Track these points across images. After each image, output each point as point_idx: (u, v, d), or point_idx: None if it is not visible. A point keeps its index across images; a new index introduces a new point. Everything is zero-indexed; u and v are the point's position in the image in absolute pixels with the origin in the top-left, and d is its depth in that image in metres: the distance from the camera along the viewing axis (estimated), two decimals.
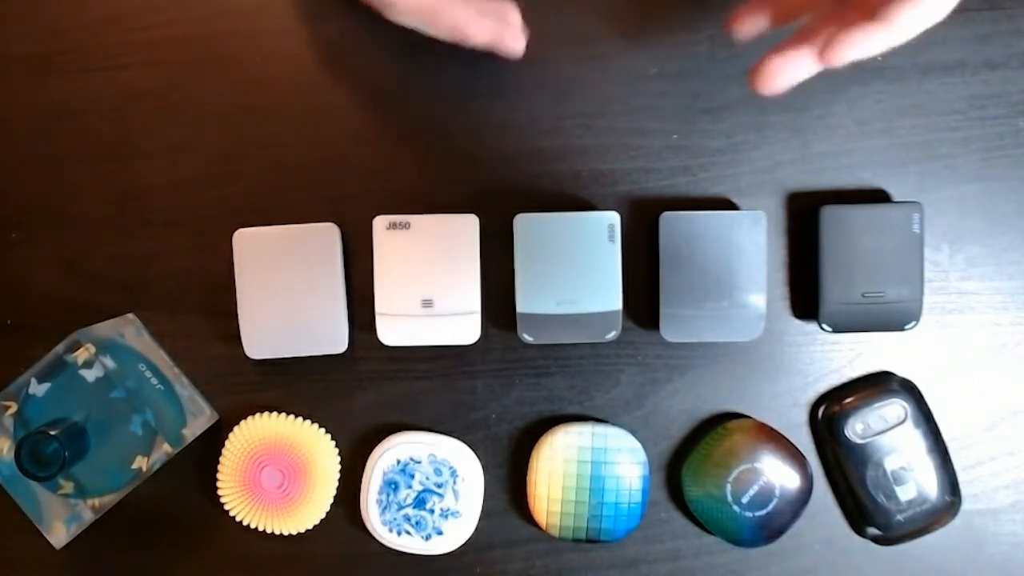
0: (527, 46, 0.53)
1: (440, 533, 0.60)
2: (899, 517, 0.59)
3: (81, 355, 0.53)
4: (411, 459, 0.60)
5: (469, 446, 0.61)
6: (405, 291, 0.58)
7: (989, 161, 0.60)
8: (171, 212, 0.61)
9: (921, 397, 0.60)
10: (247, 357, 0.60)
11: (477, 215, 0.59)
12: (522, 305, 0.58)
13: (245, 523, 0.60)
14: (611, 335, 0.58)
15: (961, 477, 0.60)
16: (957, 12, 0.60)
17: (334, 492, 0.61)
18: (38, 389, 0.53)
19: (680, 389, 0.61)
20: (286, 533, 0.60)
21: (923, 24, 0.44)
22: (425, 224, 0.58)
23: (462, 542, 0.61)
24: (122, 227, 0.61)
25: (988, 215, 0.60)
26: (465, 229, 0.58)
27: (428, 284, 0.58)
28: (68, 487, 0.54)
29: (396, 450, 0.60)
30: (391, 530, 0.60)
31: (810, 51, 0.48)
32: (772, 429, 0.60)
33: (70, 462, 0.51)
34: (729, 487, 0.58)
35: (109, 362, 0.54)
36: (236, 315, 0.59)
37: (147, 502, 0.61)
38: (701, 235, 0.57)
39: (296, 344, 0.60)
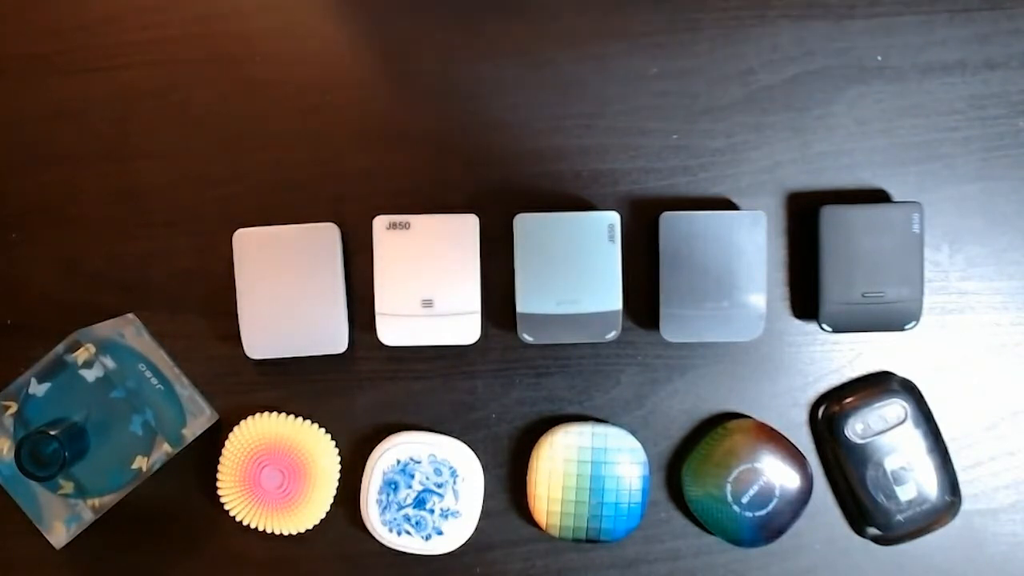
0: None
1: (440, 533, 0.60)
2: (899, 517, 0.59)
3: (81, 355, 0.53)
4: (411, 459, 0.60)
5: (469, 446, 0.61)
6: (405, 291, 0.58)
7: (989, 161, 0.60)
8: (171, 212, 0.61)
9: (921, 397, 0.60)
10: (247, 357, 0.60)
11: (477, 215, 0.59)
12: (522, 305, 0.58)
13: (245, 523, 0.60)
14: (611, 335, 0.58)
15: (961, 477, 0.60)
16: (957, 12, 0.60)
17: (334, 492, 0.61)
18: (38, 389, 0.53)
19: (680, 389, 0.61)
20: (286, 533, 0.60)
21: None
22: (425, 224, 0.58)
23: (462, 542, 0.61)
24: (122, 227, 0.61)
25: (988, 215, 0.60)
26: (465, 229, 0.58)
27: (428, 284, 0.58)
28: (68, 487, 0.54)
29: (396, 450, 0.60)
30: (391, 530, 0.60)
31: None
32: (772, 429, 0.60)
33: (70, 462, 0.51)
34: (729, 487, 0.58)
35: (109, 362, 0.54)
36: (236, 315, 0.59)
37: (147, 502, 0.61)
38: (701, 235, 0.57)
39: (296, 344, 0.60)
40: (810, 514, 0.60)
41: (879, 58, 0.59)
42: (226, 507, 0.60)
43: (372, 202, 0.60)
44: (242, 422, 0.60)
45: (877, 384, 0.60)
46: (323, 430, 0.61)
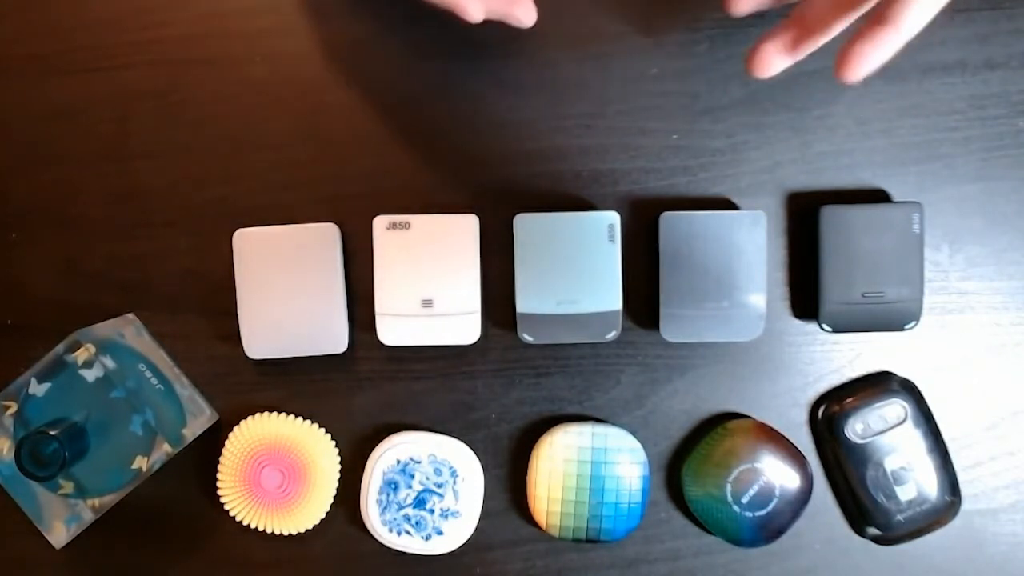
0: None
1: (440, 533, 0.60)
2: (899, 517, 0.59)
3: (81, 355, 0.53)
4: (411, 459, 0.60)
5: (469, 446, 0.61)
6: (405, 291, 0.58)
7: (989, 161, 0.60)
8: (171, 212, 0.61)
9: (921, 397, 0.60)
10: (247, 357, 0.60)
11: (477, 215, 0.59)
12: (522, 305, 0.58)
13: (245, 523, 0.60)
14: (611, 335, 0.58)
15: (961, 477, 0.60)
16: (957, 12, 0.60)
17: (334, 492, 0.61)
18: (38, 389, 0.53)
19: (680, 389, 0.61)
20: (286, 533, 0.60)
21: (925, 20, 0.44)
22: (425, 224, 0.58)
23: (462, 542, 0.61)
24: (122, 227, 0.61)
25: (988, 215, 0.60)
26: (465, 229, 0.59)
27: (428, 284, 0.58)
28: (68, 487, 0.54)
29: (396, 450, 0.60)
30: (391, 530, 0.60)
31: (801, 38, 0.49)
32: (772, 429, 0.60)
33: (70, 462, 0.51)
34: (729, 487, 0.58)
35: (109, 362, 0.54)
36: (236, 315, 0.59)
37: (147, 502, 0.61)
38: (701, 235, 0.57)
39: (296, 344, 0.60)
40: (810, 514, 0.60)
41: None
42: (226, 507, 0.60)
43: (372, 202, 0.60)
44: (242, 422, 0.60)
45: (877, 384, 0.60)
46: (323, 430, 0.61)
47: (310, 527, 0.61)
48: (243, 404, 0.61)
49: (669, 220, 0.57)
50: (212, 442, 0.61)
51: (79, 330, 0.54)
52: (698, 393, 0.61)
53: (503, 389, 0.61)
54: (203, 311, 0.61)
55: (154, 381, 0.57)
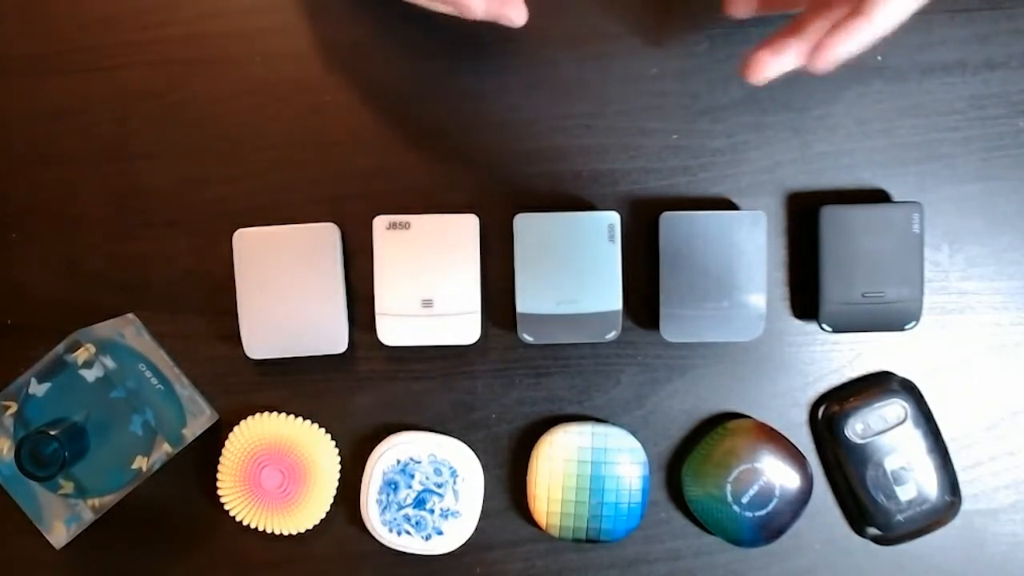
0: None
1: (440, 533, 0.60)
2: (899, 517, 0.59)
3: (81, 355, 0.53)
4: (411, 459, 0.60)
5: (469, 446, 0.61)
6: (405, 291, 0.58)
7: (989, 161, 0.60)
8: (171, 212, 0.61)
9: (921, 397, 0.60)
10: (247, 357, 0.60)
11: (477, 215, 0.59)
12: (522, 305, 0.58)
13: (245, 523, 0.60)
14: (611, 335, 0.58)
15: (961, 477, 0.60)
16: (957, 12, 0.60)
17: (334, 492, 0.61)
18: (38, 389, 0.53)
19: (680, 389, 0.61)
20: (286, 533, 0.60)
21: (899, 15, 0.45)
22: (425, 224, 0.58)
23: (462, 542, 0.61)
24: (122, 227, 0.61)
25: (988, 215, 0.60)
26: (465, 229, 0.59)
27: (428, 284, 0.58)
28: (68, 487, 0.54)
29: (396, 450, 0.60)
30: (391, 530, 0.60)
31: (796, 47, 0.50)
32: (772, 429, 0.60)
33: (70, 462, 0.51)
34: (729, 487, 0.58)
35: (109, 362, 0.54)
36: (236, 315, 0.59)
37: (147, 502, 0.61)
38: (701, 235, 0.57)
39: (296, 344, 0.60)
40: (810, 514, 0.60)
41: (879, 58, 0.59)
42: (226, 507, 0.60)
43: (372, 202, 0.60)
44: (242, 422, 0.60)
45: (877, 384, 0.60)
46: (323, 430, 0.61)
47: (310, 527, 0.61)
48: (243, 404, 0.61)
49: (669, 220, 0.57)
50: (212, 442, 0.61)
51: (79, 330, 0.54)
52: (698, 393, 0.61)
53: (503, 389, 0.61)
54: (203, 311, 0.61)
55: (154, 381, 0.57)
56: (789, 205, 0.60)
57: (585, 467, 0.59)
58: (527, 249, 0.57)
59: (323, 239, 0.59)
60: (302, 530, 0.61)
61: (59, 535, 0.55)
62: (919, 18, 0.60)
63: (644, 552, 0.62)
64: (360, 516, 0.61)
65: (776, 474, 0.59)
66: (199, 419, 0.59)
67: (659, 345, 0.61)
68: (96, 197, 0.61)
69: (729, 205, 0.60)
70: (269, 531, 0.60)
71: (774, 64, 0.50)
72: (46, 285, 0.61)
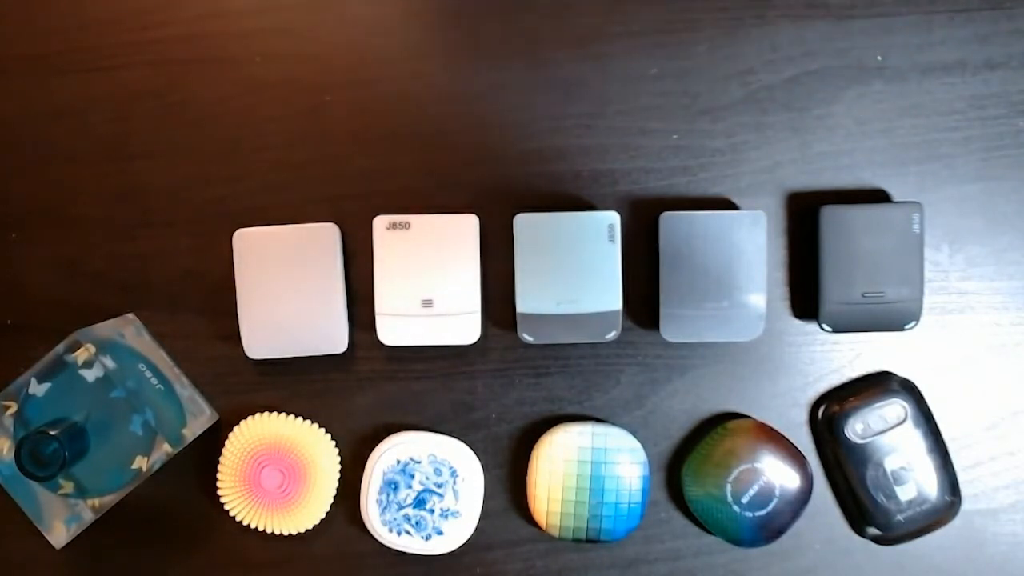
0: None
1: (440, 533, 0.60)
2: (899, 517, 0.59)
3: (81, 355, 0.53)
4: (411, 459, 0.60)
5: (469, 446, 0.61)
6: (405, 291, 0.58)
7: (989, 161, 0.60)
8: (171, 212, 0.61)
9: (921, 397, 0.60)
10: (247, 357, 0.60)
11: (477, 215, 0.59)
12: (522, 305, 0.58)
13: (245, 523, 0.60)
14: (611, 335, 0.58)
15: (961, 477, 0.60)
16: (957, 12, 0.60)
17: (334, 492, 0.61)
18: (38, 389, 0.53)
19: (680, 389, 0.61)
20: (286, 533, 0.60)
21: None
22: (425, 224, 0.58)
23: (462, 542, 0.61)
24: (122, 227, 0.61)
25: (988, 215, 0.60)
26: (465, 229, 0.59)
27: (428, 284, 0.58)
28: (68, 487, 0.54)
29: (396, 450, 0.60)
30: (391, 530, 0.60)
31: None
32: (772, 429, 0.60)
33: (70, 462, 0.51)
34: (729, 487, 0.58)
35: (109, 362, 0.54)
36: (236, 315, 0.59)
37: (147, 502, 0.61)
38: (701, 235, 0.57)
39: (296, 344, 0.60)
40: (810, 514, 0.60)
41: (879, 58, 0.59)
42: (226, 507, 0.60)
43: (372, 202, 0.60)
44: (242, 422, 0.60)
45: (877, 384, 0.60)
46: (323, 430, 0.61)
47: (310, 527, 0.61)
48: (243, 404, 0.61)
49: (669, 220, 0.57)
50: (212, 442, 0.61)
51: (79, 330, 0.54)
52: (698, 393, 0.61)
53: (503, 389, 0.61)
54: (203, 311, 0.61)
55: (154, 381, 0.57)
56: (789, 205, 0.60)
57: (585, 467, 0.59)
58: (527, 249, 0.57)
59: (323, 239, 0.59)
60: (302, 530, 0.61)
61: (59, 535, 0.55)
62: (919, 18, 0.60)
63: (644, 552, 0.62)
64: (360, 516, 0.61)
65: (776, 474, 0.58)
66: (199, 419, 0.59)
67: (659, 345, 0.61)
68: (96, 197, 0.61)
69: (729, 205, 0.60)
70: (269, 531, 0.60)
71: None
72: (46, 285, 0.61)
